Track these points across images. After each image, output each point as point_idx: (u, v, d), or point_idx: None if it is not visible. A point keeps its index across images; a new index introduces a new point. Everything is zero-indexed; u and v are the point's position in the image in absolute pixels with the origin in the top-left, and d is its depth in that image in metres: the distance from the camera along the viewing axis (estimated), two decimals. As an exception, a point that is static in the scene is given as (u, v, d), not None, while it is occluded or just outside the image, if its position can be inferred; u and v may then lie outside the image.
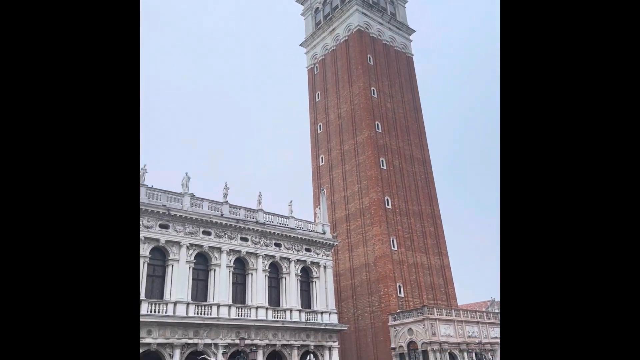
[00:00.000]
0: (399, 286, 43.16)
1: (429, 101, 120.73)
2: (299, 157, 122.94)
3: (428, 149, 54.24)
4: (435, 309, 39.41)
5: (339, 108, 52.89)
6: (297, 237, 34.87)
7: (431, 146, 56.17)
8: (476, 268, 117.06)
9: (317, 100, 56.24)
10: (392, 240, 44.75)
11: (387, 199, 46.49)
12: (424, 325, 37.79)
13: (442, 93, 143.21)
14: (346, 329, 36.62)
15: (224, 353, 27.03)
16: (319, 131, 54.31)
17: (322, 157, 52.73)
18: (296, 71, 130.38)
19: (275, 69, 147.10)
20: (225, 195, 32.50)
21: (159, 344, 26.15)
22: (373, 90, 51.83)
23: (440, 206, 51.44)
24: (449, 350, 37.51)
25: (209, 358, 24.72)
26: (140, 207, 27.81)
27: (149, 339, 25.79)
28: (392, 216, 45.97)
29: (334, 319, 35.01)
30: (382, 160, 48.26)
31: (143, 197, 28.51)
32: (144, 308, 26.32)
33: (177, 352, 26.53)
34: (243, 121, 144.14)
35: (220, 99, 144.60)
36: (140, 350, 25.53)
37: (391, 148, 49.87)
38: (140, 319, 25.65)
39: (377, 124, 50.00)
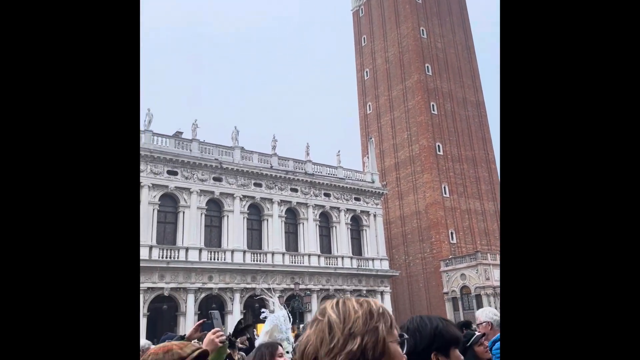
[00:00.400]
0: (451, 233, 42.78)
1: (482, 40, 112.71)
2: (346, 106, 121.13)
3: (482, 90, 51.39)
4: (489, 254, 38.90)
5: (386, 52, 50.78)
6: (346, 187, 35.06)
7: (485, 87, 52.98)
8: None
9: (363, 44, 54.21)
10: (444, 187, 43.89)
11: (438, 145, 45.16)
12: (477, 270, 37.59)
13: (498, 29, 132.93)
14: (397, 274, 37.24)
15: (279, 297, 28.53)
16: (365, 78, 52.78)
17: (369, 105, 51.56)
18: (341, 16, 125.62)
19: (318, 15, 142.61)
20: (274, 147, 32.96)
21: (220, 289, 28.00)
22: (422, 30, 49.06)
23: (495, 150, 49.42)
24: (503, 295, 37.33)
25: (266, 297, 26.21)
26: (194, 161, 28.95)
27: (210, 284, 27.65)
28: (444, 162, 44.80)
29: (385, 265, 35.61)
30: (433, 105, 46.44)
31: (196, 151, 29.57)
32: (205, 256, 28.09)
33: (237, 295, 28.34)
34: (286, 71, 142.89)
35: (262, 48, 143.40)
36: (203, 295, 27.53)
37: (442, 91, 47.71)
38: (201, 266, 27.46)
39: (427, 67, 47.71)
